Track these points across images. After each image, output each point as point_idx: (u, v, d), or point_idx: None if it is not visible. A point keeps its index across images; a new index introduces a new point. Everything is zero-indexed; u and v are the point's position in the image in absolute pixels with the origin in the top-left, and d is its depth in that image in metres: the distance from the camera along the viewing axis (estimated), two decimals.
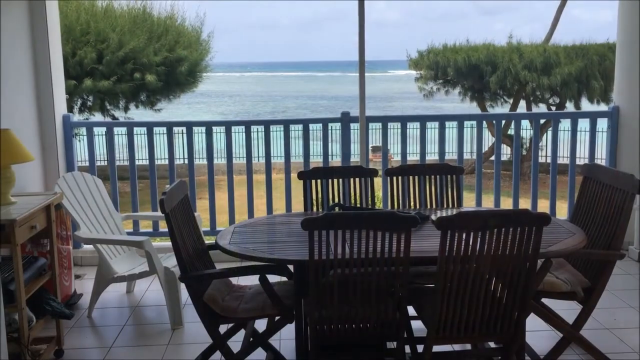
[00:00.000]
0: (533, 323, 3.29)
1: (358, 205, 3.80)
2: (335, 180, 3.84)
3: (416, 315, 3.02)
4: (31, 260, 3.37)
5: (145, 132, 5.23)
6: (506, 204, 5.77)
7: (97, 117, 12.17)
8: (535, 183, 5.33)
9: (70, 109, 10.91)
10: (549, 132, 5.59)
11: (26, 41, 4.65)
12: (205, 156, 5.32)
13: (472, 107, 16.05)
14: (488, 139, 14.47)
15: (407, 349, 3.07)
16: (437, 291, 2.53)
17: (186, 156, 5.32)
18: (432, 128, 6.55)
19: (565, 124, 5.76)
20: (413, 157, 7.31)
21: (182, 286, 3.50)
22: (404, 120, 5.29)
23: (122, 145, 6.24)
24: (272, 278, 2.94)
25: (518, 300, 2.58)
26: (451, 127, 5.55)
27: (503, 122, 6.49)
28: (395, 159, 12.03)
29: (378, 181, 4.74)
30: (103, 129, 5.40)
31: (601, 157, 6.12)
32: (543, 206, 5.47)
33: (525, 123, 10.60)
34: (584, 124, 5.51)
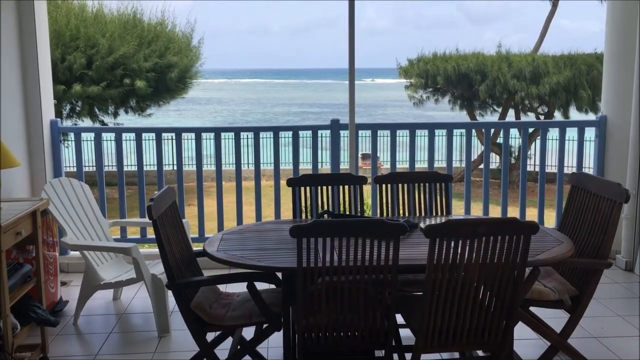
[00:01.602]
0: (521, 331, 3.29)
1: (347, 213, 3.79)
2: (325, 188, 3.83)
3: (404, 323, 3.01)
4: (16, 267, 3.33)
5: (134, 138, 5.20)
6: (495, 212, 5.79)
7: (86, 122, 12.11)
8: (524, 191, 5.35)
9: (59, 114, 10.84)
10: (538, 141, 5.62)
11: (14, 45, 4.62)
12: (194, 162, 5.30)
13: (462, 116, 16.14)
14: (477, 147, 14.56)
15: (396, 357, 3.06)
16: (425, 299, 2.52)
17: (175, 162, 5.29)
18: (422, 136, 6.58)
19: (553, 133, 5.80)
20: (402, 165, 7.33)
21: (170, 293, 3.48)
22: (393, 127, 5.30)
23: (110, 151, 6.20)
24: (261, 285, 2.93)
25: (506, 308, 2.58)
26: (440, 135, 5.58)
27: (492, 130, 6.52)
28: (385, 166, 12.06)
29: (367, 189, 4.75)
30: (91, 135, 5.35)
31: (589, 166, 6.16)
32: (531, 214, 5.50)
33: (514, 132, 10.63)
34: (572, 133, 5.54)
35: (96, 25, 11.44)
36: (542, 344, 3.47)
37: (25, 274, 3.34)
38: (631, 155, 4.94)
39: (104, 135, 5.35)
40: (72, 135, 5.48)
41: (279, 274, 2.93)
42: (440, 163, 6.84)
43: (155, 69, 11.55)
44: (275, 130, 5.26)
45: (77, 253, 4.63)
